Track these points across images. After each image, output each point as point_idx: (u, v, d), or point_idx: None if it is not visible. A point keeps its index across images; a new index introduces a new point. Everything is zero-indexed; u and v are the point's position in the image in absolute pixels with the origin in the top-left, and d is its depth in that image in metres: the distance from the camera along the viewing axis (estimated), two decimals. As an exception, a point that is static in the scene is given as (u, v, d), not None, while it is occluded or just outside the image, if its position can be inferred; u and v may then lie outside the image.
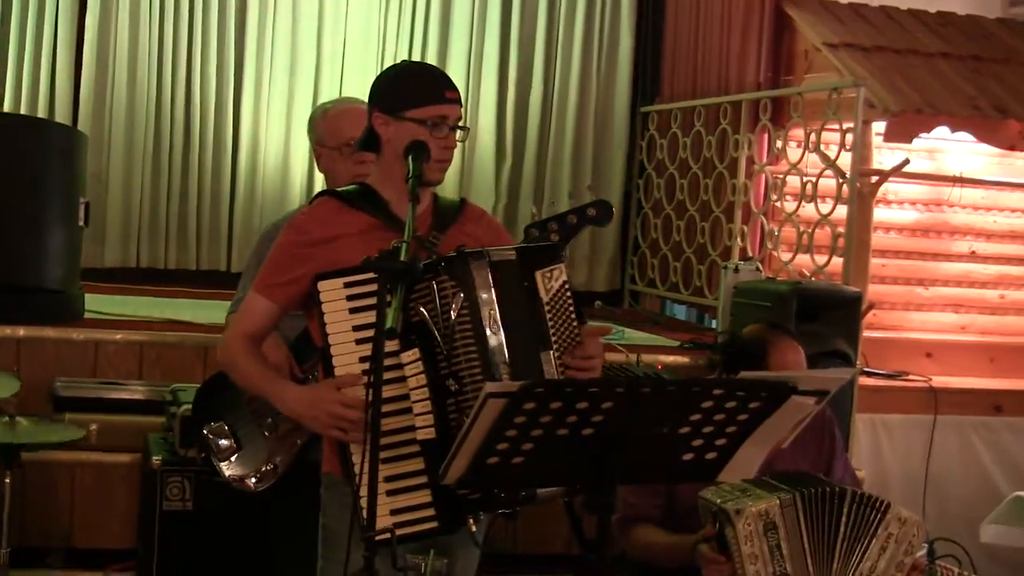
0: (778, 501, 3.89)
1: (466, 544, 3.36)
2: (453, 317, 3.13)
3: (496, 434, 2.71)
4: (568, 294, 3.31)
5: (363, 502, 2.98)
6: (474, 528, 3.23)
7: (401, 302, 2.94)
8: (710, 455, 2.97)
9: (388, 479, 3.12)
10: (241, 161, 8.92)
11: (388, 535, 2.98)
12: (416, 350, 3.16)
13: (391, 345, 3.04)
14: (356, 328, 3.16)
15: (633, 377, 5.98)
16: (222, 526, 5.05)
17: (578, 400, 2.69)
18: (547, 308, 3.26)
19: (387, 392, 3.07)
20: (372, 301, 3.01)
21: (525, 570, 6.05)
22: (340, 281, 3.21)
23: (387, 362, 3.05)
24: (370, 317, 3.02)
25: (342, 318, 3.20)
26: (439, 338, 3.14)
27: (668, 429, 2.85)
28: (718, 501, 3.91)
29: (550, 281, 3.29)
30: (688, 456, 2.94)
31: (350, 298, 3.17)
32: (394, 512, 3.13)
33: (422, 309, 3.16)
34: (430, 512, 3.19)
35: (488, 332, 3.15)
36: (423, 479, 3.18)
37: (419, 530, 3.17)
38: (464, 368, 3.14)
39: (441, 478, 2.88)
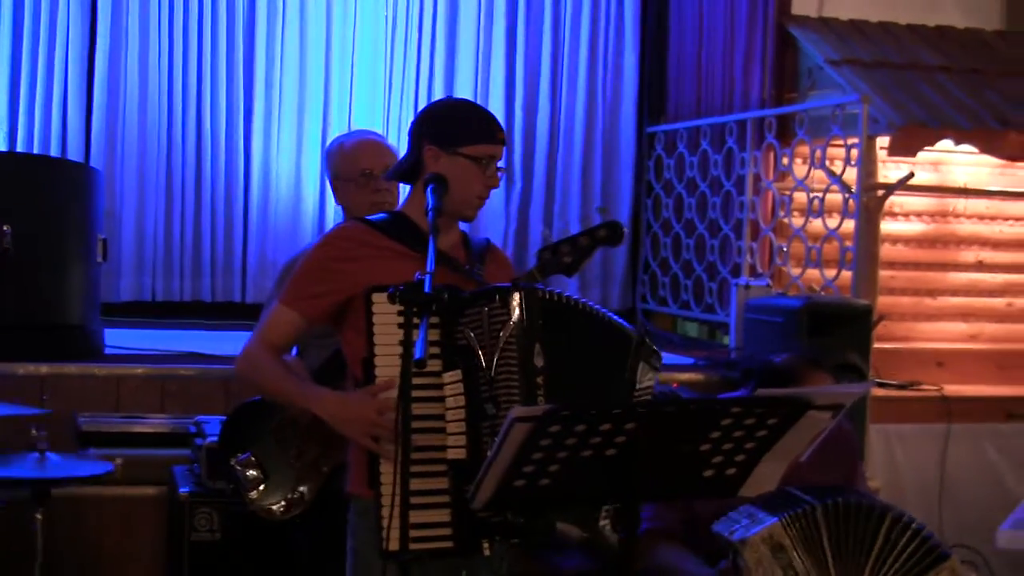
0: (779, 521, 3.85)
1: (491, 570, 3.41)
2: (500, 344, 3.18)
3: (523, 457, 2.78)
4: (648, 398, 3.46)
5: (385, 516, 3.08)
6: (487, 553, 3.25)
7: (427, 331, 2.96)
8: (730, 471, 3.03)
9: (411, 493, 3.10)
10: (253, 192, 8.95)
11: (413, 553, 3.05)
12: (458, 371, 3.20)
13: (434, 365, 3.11)
14: (401, 343, 3.17)
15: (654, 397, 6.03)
16: (251, 555, 5.10)
17: (602, 422, 2.76)
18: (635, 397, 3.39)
19: (422, 409, 3.13)
20: (418, 320, 3.01)
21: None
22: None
23: (427, 380, 3.14)
24: (414, 335, 3.01)
25: (390, 331, 3.23)
26: (483, 362, 3.19)
27: (689, 447, 2.92)
28: (726, 534, 3.88)
29: (644, 377, 3.43)
30: (709, 472, 3.01)
31: (400, 313, 3.16)
32: (412, 527, 3.12)
33: (470, 333, 3.20)
34: (447, 531, 3.21)
35: (532, 363, 3.19)
36: (445, 498, 3.21)
37: (433, 548, 3.20)
38: (503, 394, 3.18)
39: (470, 500, 2.92)
